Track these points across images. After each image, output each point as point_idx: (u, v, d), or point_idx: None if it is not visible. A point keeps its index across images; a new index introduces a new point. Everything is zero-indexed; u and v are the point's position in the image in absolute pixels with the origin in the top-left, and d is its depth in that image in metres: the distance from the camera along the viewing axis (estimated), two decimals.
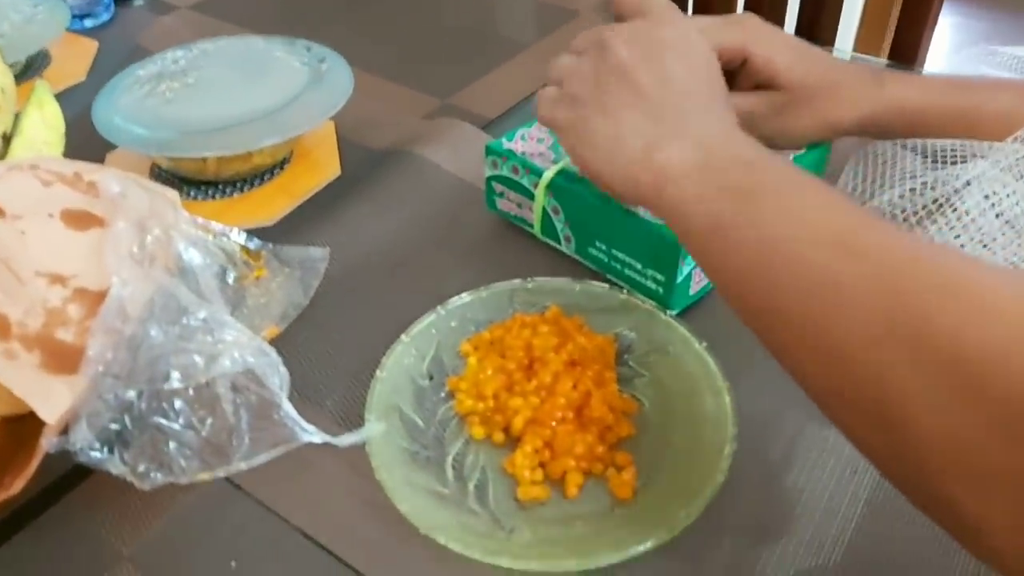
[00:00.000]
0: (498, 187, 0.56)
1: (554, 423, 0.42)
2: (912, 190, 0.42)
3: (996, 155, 0.43)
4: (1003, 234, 0.41)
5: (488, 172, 0.56)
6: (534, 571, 0.37)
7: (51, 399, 0.39)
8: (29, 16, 0.77)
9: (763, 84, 0.48)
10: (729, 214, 0.34)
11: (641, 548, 0.37)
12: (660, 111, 0.39)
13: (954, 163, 0.43)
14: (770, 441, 0.43)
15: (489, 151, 0.55)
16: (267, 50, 0.66)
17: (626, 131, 0.39)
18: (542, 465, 0.41)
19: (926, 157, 0.45)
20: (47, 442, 0.38)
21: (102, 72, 0.77)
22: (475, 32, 0.83)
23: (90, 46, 0.83)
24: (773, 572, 0.38)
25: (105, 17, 0.88)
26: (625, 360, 0.47)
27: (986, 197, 0.41)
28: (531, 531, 0.39)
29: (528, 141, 0.55)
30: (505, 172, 0.54)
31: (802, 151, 0.52)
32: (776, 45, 0.48)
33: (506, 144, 0.55)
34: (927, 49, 0.88)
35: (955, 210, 0.40)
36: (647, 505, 0.39)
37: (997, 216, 0.40)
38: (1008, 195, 0.41)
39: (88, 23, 0.87)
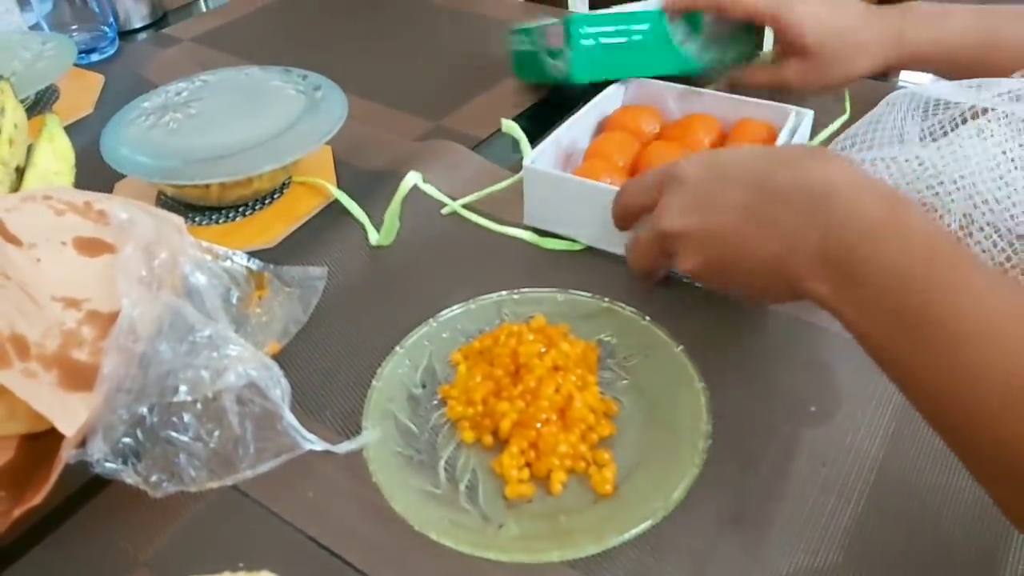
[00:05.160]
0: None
1: (539, 424, 0.44)
2: (907, 160, 0.50)
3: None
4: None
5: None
6: (520, 563, 0.39)
7: (69, 414, 0.41)
8: (38, 53, 0.81)
9: (791, 45, 0.58)
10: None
11: (620, 539, 0.39)
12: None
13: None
14: (744, 438, 0.45)
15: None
16: (265, 79, 0.69)
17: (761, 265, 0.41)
18: (528, 465, 0.44)
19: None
20: (66, 454, 0.41)
21: (108, 104, 0.81)
22: (464, 57, 0.86)
23: (96, 80, 0.86)
24: (747, 559, 0.40)
25: (110, 52, 0.92)
26: (608, 364, 0.49)
27: None
28: (518, 526, 0.41)
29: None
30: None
31: None
32: (807, 8, 0.58)
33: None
34: None
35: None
36: (627, 499, 0.42)
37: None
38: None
39: (94, 57, 0.91)
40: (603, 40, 0.65)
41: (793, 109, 0.61)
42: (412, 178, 0.61)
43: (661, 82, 0.68)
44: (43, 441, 0.48)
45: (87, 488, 0.45)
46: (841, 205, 0.37)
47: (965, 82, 0.57)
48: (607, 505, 0.42)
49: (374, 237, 0.61)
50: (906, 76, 0.84)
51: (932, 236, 0.36)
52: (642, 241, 0.48)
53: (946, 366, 0.34)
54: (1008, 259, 0.52)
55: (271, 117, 0.65)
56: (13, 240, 0.49)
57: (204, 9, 1.05)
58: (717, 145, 0.62)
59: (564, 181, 0.58)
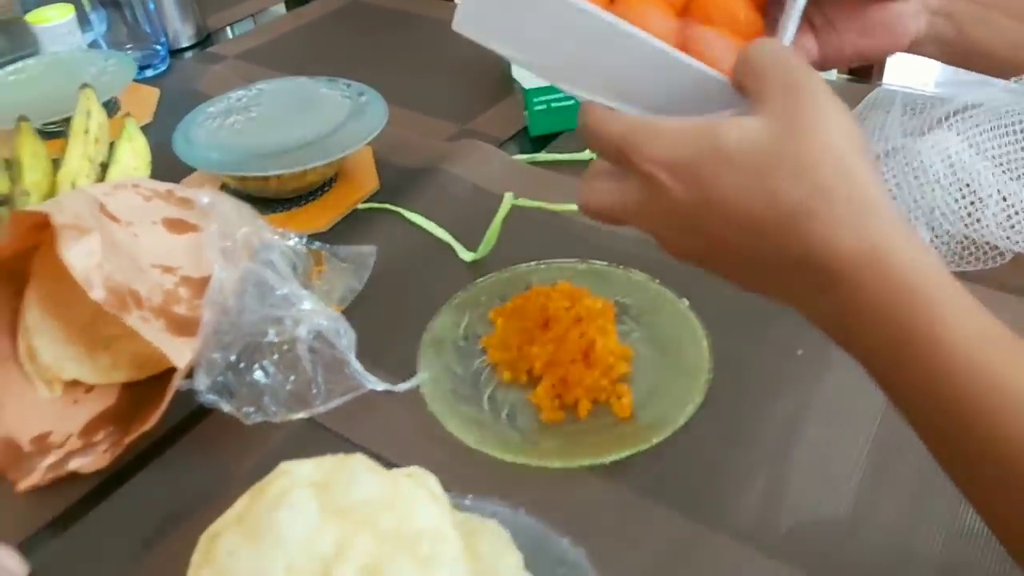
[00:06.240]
0: None
1: (567, 363, 0.52)
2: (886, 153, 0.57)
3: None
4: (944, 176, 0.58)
5: None
6: (556, 468, 0.47)
7: (178, 351, 0.50)
8: (102, 68, 0.90)
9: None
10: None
11: (636, 450, 0.48)
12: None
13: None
14: (741, 376, 0.53)
15: None
16: (314, 87, 0.78)
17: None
18: (558, 396, 0.52)
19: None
20: (178, 382, 0.49)
21: (165, 114, 0.90)
22: (486, 69, 0.95)
23: (152, 93, 0.96)
24: (743, 470, 0.48)
25: (162, 68, 1.01)
26: (624, 320, 0.58)
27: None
28: (553, 441, 0.49)
29: None
30: None
31: None
32: None
33: None
34: None
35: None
36: (642, 421, 0.50)
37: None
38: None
39: (148, 73, 1.00)
40: (554, 104, 0.80)
41: None
42: (508, 199, 0.68)
43: None
44: (141, 387, 0.56)
45: (192, 416, 0.54)
46: (845, 293, 0.34)
47: (946, 82, 0.65)
48: (626, 425, 0.50)
49: (467, 255, 0.66)
50: (889, 77, 0.93)
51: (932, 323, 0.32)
52: (617, 219, 0.39)
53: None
54: (952, 261, 0.60)
55: (321, 120, 0.74)
56: (113, 218, 0.58)
57: (231, 36, 1.14)
58: None
59: None
